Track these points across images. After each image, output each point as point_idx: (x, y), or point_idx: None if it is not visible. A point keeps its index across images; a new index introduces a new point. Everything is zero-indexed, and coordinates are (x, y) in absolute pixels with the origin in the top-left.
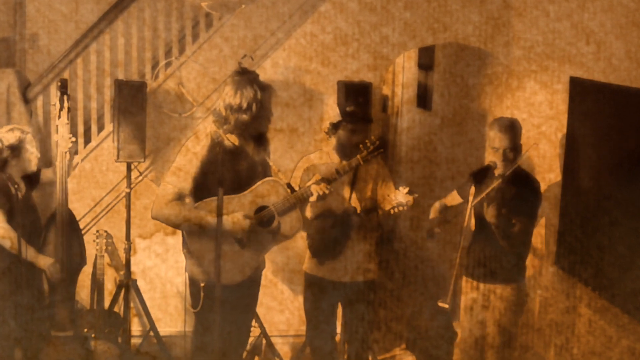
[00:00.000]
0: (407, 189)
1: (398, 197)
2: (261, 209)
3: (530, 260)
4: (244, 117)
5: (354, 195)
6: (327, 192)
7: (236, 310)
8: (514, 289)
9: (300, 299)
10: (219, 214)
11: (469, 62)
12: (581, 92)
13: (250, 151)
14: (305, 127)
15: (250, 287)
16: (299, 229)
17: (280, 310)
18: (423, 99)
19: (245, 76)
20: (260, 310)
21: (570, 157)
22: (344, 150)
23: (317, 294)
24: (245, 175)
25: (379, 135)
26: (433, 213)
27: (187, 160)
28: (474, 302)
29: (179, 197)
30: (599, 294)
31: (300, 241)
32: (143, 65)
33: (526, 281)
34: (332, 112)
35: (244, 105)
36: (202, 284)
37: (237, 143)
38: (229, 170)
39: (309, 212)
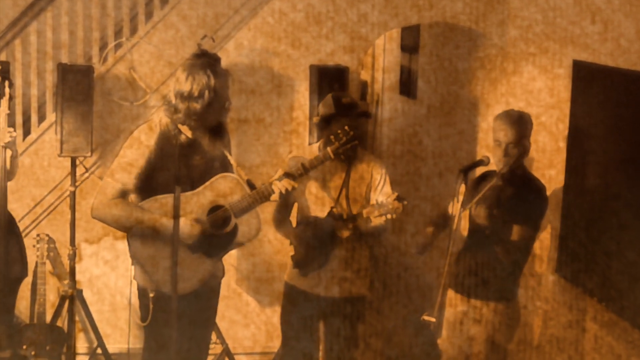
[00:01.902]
0: (395, 195)
1: (384, 203)
2: (216, 208)
3: (528, 269)
4: (195, 105)
5: (341, 201)
6: (289, 188)
7: (192, 324)
8: (509, 300)
9: (268, 311)
10: (175, 216)
11: (458, 44)
12: (586, 77)
13: (205, 144)
14: (273, 117)
15: (207, 297)
16: (258, 233)
17: (245, 324)
18: (407, 85)
19: (199, 60)
20: (222, 324)
21: (574, 151)
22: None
23: (296, 306)
24: (200, 171)
25: (355, 125)
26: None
27: (134, 152)
28: (464, 316)
29: (123, 194)
30: (606, 306)
31: (268, 246)
32: (90, 47)
33: (524, 292)
34: (303, 100)
35: (195, 92)
36: (151, 294)
37: (190, 135)
38: (181, 165)
39: (293, 218)
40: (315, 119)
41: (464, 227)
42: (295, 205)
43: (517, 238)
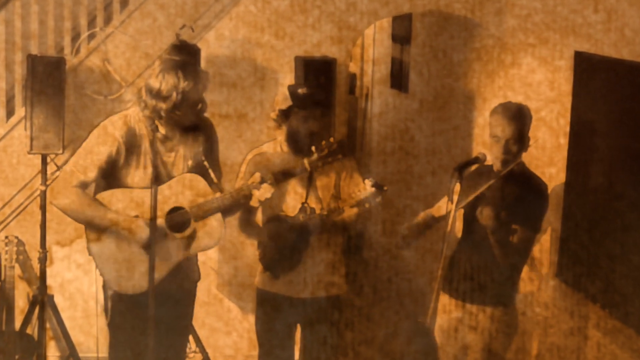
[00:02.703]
0: (372, 182)
1: (363, 192)
2: (175, 209)
3: (526, 273)
4: (162, 105)
5: (312, 193)
6: (269, 196)
7: (163, 327)
8: (507, 306)
9: (251, 318)
10: (153, 217)
11: (453, 34)
12: (588, 69)
13: (175, 143)
14: (256, 112)
15: (180, 301)
16: (219, 240)
17: (226, 331)
18: (398, 78)
19: (175, 58)
20: (202, 332)
21: (576, 148)
22: (297, 144)
23: (271, 312)
24: (170, 170)
25: (314, 117)
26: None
27: (99, 141)
28: (459, 323)
29: (84, 185)
30: (609, 312)
31: (251, 249)
32: (61, 38)
33: (522, 297)
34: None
35: (163, 91)
36: (110, 292)
37: (163, 132)
38: (155, 162)
39: (259, 217)
40: (273, 115)
41: (457, 229)
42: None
43: (515, 240)
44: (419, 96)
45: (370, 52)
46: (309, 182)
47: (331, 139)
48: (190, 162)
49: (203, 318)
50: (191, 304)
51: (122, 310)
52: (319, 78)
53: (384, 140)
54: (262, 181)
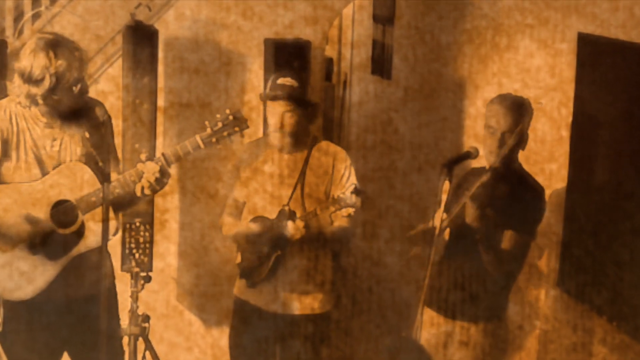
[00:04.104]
0: (352, 187)
1: (342, 197)
2: (61, 202)
3: (524, 282)
4: (35, 90)
5: (297, 194)
6: (158, 176)
7: (75, 342)
8: (502, 319)
9: (215, 332)
10: (104, 219)
11: (441, 14)
12: (593, 53)
13: (58, 131)
14: (220, 100)
15: (88, 306)
16: (112, 233)
17: (187, 347)
18: (380, 63)
19: (46, 36)
20: (160, 348)
21: (579, 141)
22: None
23: (245, 325)
24: (57, 163)
25: (237, 108)
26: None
27: None
28: (449, 338)
29: None
30: (617, 326)
31: (214, 255)
32: (2, 18)
33: (519, 309)
34: (256, 81)
35: (35, 74)
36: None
37: (44, 120)
38: (37, 153)
39: (239, 219)
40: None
41: (447, 233)
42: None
43: (509, 246)
44: (403, 83)
45: (348, 34)
46: (297, 182)
47: (227, 110)
48: (78, 151)
49: (161, 332)
50: (107, 308)
51: (13, 318)
52: (291, 63)
53: (364, 133)
54: (148, 158)
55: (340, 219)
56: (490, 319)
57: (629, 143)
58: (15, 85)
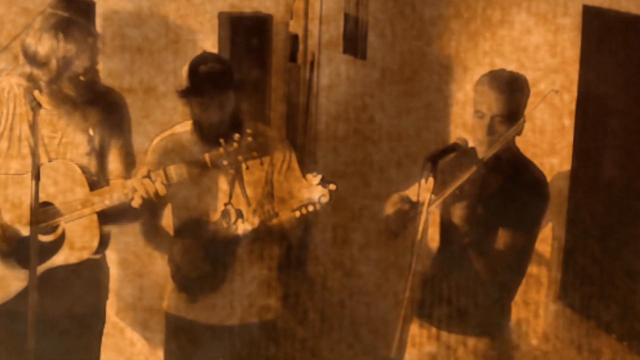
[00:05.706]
0: (318, 178)
1: (307, 191)
2: (44, 205)
3: (521, 294)
4: (38, 73)
5: (238, 192)
6: (152, 194)
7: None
8: (495, 338)
9: (160, 352)
10: (33, 222)
11: None
12: (600, 29)
13: (61, 123)
14: (167, 84)
15: (67, 330)
16: (94, 249)
17: None
18: (353, 41)
19: (60, 13)
20: None
21: (584, 131)
22: (202, 131)
23: (186, 345)
24: (56, 155)
25: (258, 127)
26: (391, 207)
27: None
28: (434, 358)
29: None
30: (628, 346)
31: (161, 263)
32: None
33: (514, 326)
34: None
35: (40, 56)
36: None
37: (48, 107)
38: (26, 150)
39: (170, 222)
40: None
41: (432, 238)
42: (169, 206)
43: (504, 248)
44: (380, 64)
45: (316, 7)
46: (234, 177)
47: (248, 130)
48: (81, 149)
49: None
50: (89, 334)
51: None
52: (250, 40)
53: (335, 121)
54: (148, 175)
55: (289, 212)
56: (482, 336)
57: None
58: (20, 63)
